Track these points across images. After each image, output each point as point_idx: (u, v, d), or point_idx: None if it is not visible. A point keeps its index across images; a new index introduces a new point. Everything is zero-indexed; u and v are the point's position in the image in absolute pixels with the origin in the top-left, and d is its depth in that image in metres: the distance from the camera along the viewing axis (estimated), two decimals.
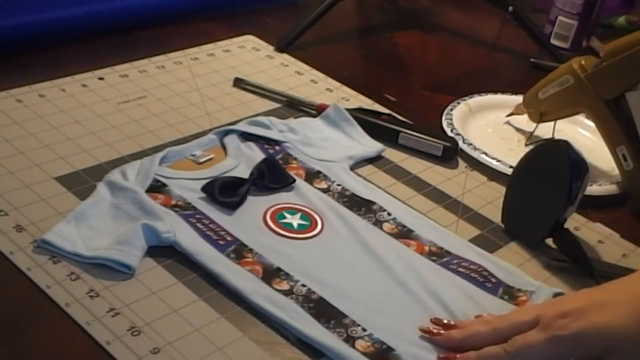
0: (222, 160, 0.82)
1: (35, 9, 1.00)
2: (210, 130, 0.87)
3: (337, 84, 1.04)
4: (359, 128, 0.91)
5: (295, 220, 0.74)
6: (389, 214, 0.78)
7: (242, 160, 0.82)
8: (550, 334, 0.58)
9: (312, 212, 0.76)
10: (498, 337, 0.61)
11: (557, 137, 0.97)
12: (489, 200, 0.84)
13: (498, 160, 0.89)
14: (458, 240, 0.76)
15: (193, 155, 0.82)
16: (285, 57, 1.09)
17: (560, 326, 0.58)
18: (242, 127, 0.87)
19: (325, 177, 0.82)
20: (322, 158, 0.85)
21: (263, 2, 1.25)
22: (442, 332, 0.63)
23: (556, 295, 0.70)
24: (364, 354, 0.61)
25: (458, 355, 0.61)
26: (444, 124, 0.96)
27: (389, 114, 0.96)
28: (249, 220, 0.73)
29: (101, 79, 0.96)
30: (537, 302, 0.68)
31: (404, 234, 0.76)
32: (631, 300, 0.58)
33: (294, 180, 0.79)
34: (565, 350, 0.58)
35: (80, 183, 0.76)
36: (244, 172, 0.80)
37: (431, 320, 0.65)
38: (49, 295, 0.63)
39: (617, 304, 0.58)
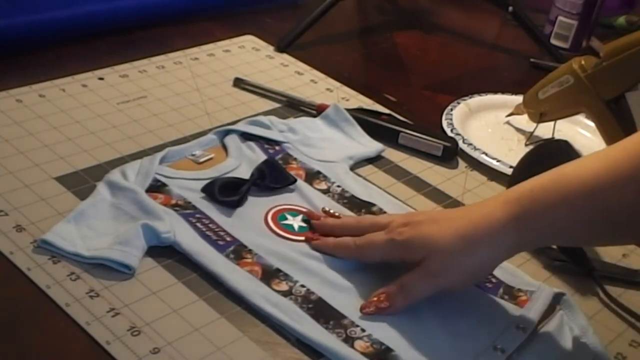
0: (223, 160, 0.82)
1: (35, 9, 1.00)
2: (210, 130, 0.87)
3: (337, 84, 1.04)
4: (359, 128, 0.91)
5: (296, 222, 0.74)
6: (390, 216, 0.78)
7: (244, 161, 0.82)
8: (389, 237, 0.66)
9: (314, 214, 0.76)
10: (359, 232, 0.70)
11: (557, 137, 0.97)
12: None
13: (498, 160, 0.89)
14: None
15: (193, 155, 0.82)
16: (285, 57, 1.09)
17: (398, 232, 0.66)
18: (242, 127, 0.87)
19: (325, 178, 0.82)
20: (322, 158, 0.85)
21: (263, 2, 1.25)
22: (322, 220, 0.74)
23: (556, 295, 0.70)
24: (363, 354, 0.61)
25: (319, 237, 0.71)
26: (444, 124, 0.96)
27: (389, 114, 0.96)
28: (249, 221, 0.73)
29: (101, 79, 0.96)
30: (537, 302, 0.69)
31: None
32: (457, 219, 0.65)
33: (295, 180, 0.79)
34: (396, 253, 0.66)
35: (80, 183, 0.76)
36: (245, 172, 0.80)
37: (322, 209, 0.76)
38: (49, 295, 0.63)
39: (445, 221, 0.65)
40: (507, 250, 0.64)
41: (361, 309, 0.65)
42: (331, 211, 0.76)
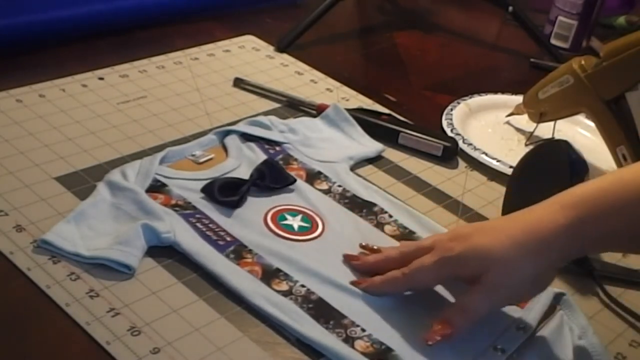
0: (223, 160, 0.82)
1: (35, 9, 1.00)
2: (210, 130, 0.87)
3: (337, 84, 1.04)
4: (359, 128, 0.91)
5: (296, 222, 0.74)
6: (390, 216, 0.78)
7: (244, 161, 0.82)
8: (439, 256, 0.63)
9: (313, 214, 0.76)
10: (404, 261, 0.66)
11: (557, 137, 0.97)
12: (489, 200, 0.84)
13: (498, 160, 0.89)
14: None
15: (193, 155, 0.82)
16: (285, 57, 1.09)
17: (448, 248, 0.63)
18: (243, 127, 0.87)
19: (326, 178, 0.82)
20: (322, 159, 0.84)
21: (263, 2, 1.25)
22: (361, 257, 0.70)
23: (557, 295, 0.70)
24: (363, 354, 0.61)
25: (365, 280, 0.67)
26: (444, 124, 0.96)
27: (389, 114, 0.96)
28: (249, 221, 0.73)
29: (101, 79, 0.96)
30: (537, 303, 0.68)
31: (405, 235, 0.76)
32: (508, 228, 0.62)
33: (295, 180, 0.79)
34: (450, 270, 0.63)
35: (80, 183, 0.76)
36: (245, 173, 0.80)
37: (360, 245, 0.72)
38: (49, 295, 0.63)
39: (496, 230, 0.63)
40: (569, 255, 0.61)
41: (426, 341, 0.62)
42: (370, 245, 0.72)
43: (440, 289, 0.69)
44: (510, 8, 1.23)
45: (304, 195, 0.78)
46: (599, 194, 0.60)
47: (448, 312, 0.63)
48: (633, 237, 0.60)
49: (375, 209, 0.78)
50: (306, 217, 0.75)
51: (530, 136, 0.98)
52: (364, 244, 0.72)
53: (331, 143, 0.89)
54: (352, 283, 0.67)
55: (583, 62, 0.90)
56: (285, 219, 0.74)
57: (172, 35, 1.10)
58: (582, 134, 1.01)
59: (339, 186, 0.81)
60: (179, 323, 0.62)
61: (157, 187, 0.75)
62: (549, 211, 0.61)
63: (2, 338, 0.59)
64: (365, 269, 0.69)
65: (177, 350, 0.60)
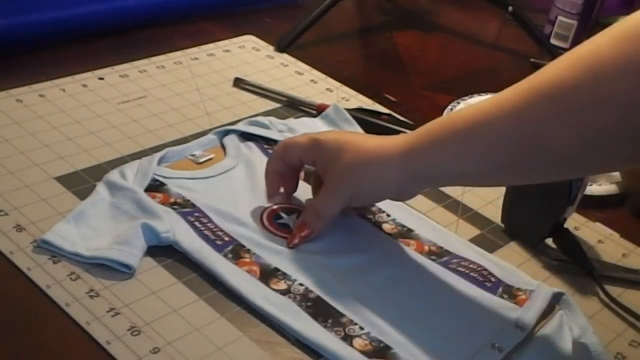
0: (221, 160, 0.82)
1: (35, 9, 1.00)
2: (210, 130, 0.87)
3: (337, 84, 1.04)
4: (359, 128, 0.91)
5: (291, 221, 0.74)
6: (388, 215, 0.78)
7: (241, 161, 0.82)
8: (312, 137, 0.72)
9: None
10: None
11: None
12: (489, 200, 0.84)
13: None
14: (458, 239, 0.76)
15: (193, 155, 0.82)
16: (285, 57, 1.09)
17: (321, 133, 0.72)
18: (242, 127, 0.87)
19: None
20: None
21: (263, 2, 1.25)
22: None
23: (556, 294, 0.70)
24: (362, 352, 0.61)
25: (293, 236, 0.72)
26: None
27: (389, 114, 0.97)
28: (246, 221, 0.73)
29: (101, 79, 0.96)
30: (536, 301, 0.69)
31: (403, 233, 0.76)
32: (367, 142, 0.69)
33: None
34: (312, 153, 0.71)
35: (80, 183, 0.76)
36: (242, 171, 0.80)
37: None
38: (49, 295, 0.63)
39: (357, 138, 0.71)
40: (395, 176, 0.67)
41: (288, 244, 0.70)
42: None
43: (440, 287, 0.69)
44: (510, 8, 1.22)
45: (298, 194, 0.78)
46: (428, 128, 0.66)
47: (304, 215, 0.72)
48: (472, 166, 0.64)
49: (373, 208, 0.78)
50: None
51: None
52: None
53: None
54: (290, 247, 0.71)
55: None
56: (281, 218, 0.74)
57: (172, 35, 1.10)
58: None
59: None
60: (179, 323, 0.62)
61: (155, 187, 0.75)
62: (397, 137, 0.68)
63: (2, 338, 0.59)
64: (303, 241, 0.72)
65: (177, 350, 0.60)
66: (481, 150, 0.62)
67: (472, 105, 0.65)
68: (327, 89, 1.03)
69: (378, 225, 0.76)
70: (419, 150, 0.66)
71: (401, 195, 0.71)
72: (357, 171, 0.68)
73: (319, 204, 0.71)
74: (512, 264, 0.74)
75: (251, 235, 0.71)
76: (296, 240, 0.71)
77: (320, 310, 0.65)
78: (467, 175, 0.66)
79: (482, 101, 0.64)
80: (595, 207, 0.86)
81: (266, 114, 0.93)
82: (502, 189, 0.83)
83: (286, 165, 0.74)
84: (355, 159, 0.68)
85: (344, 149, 0.69)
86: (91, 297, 0.63)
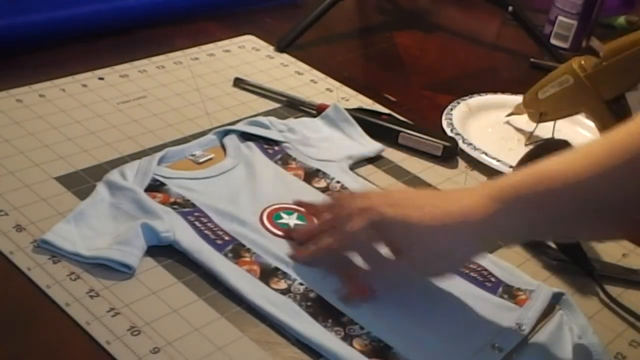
0: (221, 160, 0.82)
1: (35, 9, 1.00)
2: (210, 130, 0.87)
3: (337, 84, 1.04)
4: (359, 128, 0.91)
5: (292, 221, 0.74)
6: None
7: (241, 161, 0.82)
8: (369, 220, 0.64)
9: (308, 212, 0.75)
10: (336, 223, 0.68)
11: (557, 137, 0.97)
12: None
13: (498, 160, 0.89)
14: None
15: (193, 155, 0.82)
16: (285, 57, 1.09)
17: (378, 212, 0.64)
18: (242, 127, 0.87)
19: (325, 175, 0.82)
20: (321, 158, 0.85)
21: (263, 2, 1.25)
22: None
23: (556, 294, 0.70)
24: (362, 352, 0.61)
25: (300, 251, 0.69)
26: (444, 124, 0.96)
27: (389, 114, 0.97)
28: (246, 220, 0.73)
29: (101, 79, 0.96)
30: (536, 301, 0.69)
31: None
32: (439, 207, 0.64)
33: None
34: (377, 235, 0.65)
35: (80, 183, 0.76)
36: (242, 171, 0.80)
37: (293, 201, 0.74)
38: (49, 295, 0.63)
39: (428, 206, 0.64)
40: (484, 244, 0.66)
41: (344, 298, 0.66)
42: (304, 201, 0.74)
43: (440, 285, 0.69)
44: (510, 8, 1.22)
45: (298, 194, 0.78)
46: (524, 184, 0.62)
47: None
48: (565, 226, 0.62)
49: None
50: (302, 216, 0.75)
51: (530, 136, 0.98)
52: (297, 200, 0.74)
53: (331, 143, 0.89)
54: (291, 257, 0.69)
55: (583, 62, 0.90)
56: (281, 218, 0.74)
57: (172, 35, 1.10)
58: (582, 134, 1.01)
59: (338, 182, 0.81)
60: (179, 323, 0.62)
61: (155, 187, 0.75)
62: (475, 198, 0.62)
63: (2, 338, 0.59)
64: (302, 239, 0.70)
65: (177, 350, 0.60)
66: (581, 213, 0.60)
67: (557, 160, 0.62)
68: (327, 89, 1.03)
69: None
70: (511, 215, 0.61)
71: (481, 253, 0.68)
72: (443, 248, 0.64)
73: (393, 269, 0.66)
74: (512, 264, 0.74)
75: (251, 235, 0.71)
76: (355, 297, 0.66)
77: (320, 310, 0.65)
78: (557, 234, 0.66)
79: (568, 154, 0.62)
80: None
81: (266, 114, 0.93)
82: None
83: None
84: (438, 236, 0.63)
85: (417, 225, 0.63)
86: (91, 297, 0.63)
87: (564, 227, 0.62)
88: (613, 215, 0.60)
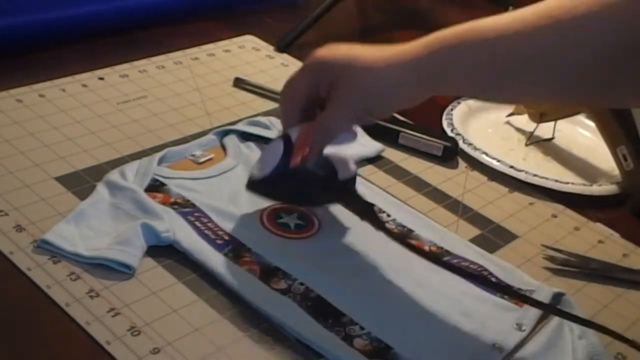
0: (221, 160, 0.82)
1: (35, 9, 1.00)
2: (210, 130, 0.87)
3: None
4: (359, 128, 0.91)
5: (292, 220, 0.74)
6: (389, 215, 0.78)
7: (241, 160, 0.82)
8: (306, 62, 0.69)
9: (308, 212, 0.76)
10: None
11: (557, 137, 0.97)
12: (489, 200, 0.84)
13: (498, 161, 0.89)
14: (458, 240, 0.76)
15: (193, 155, 0.82)
16: (285, 57, 1.09)
17: (315, 56, 0.68)
18: (242, 127, 0.87)
19: None
20: None
21: (263, 2, 1.25)
22: None
23: (556, 295, 0.70)
24: (362, 352, 0.61)
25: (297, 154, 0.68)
26: (444, 124, 0.96)
27: None
28: (246, 220, 0.73)
29: (101, 79, 0.96)
30: None
31: (403, 233, 0.76)
32: (376, 52, 0.67)
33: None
34: (316, 75, 0.68)
35: (80, 183, 0.76)
36: (242, 171, 0.80)
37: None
38: (49, 295, 0.63)
39: (365, 50, 0.68)
40: (409, 85, 0.66)
41: (291, 163, 0.66)
42: None
43: (441, 285, 0.69)
44: (510, 8, 1.22)
45: None
46: (449, 35, 0.65)
47: (307, 132, 0.67)
48: (473, 78, 0.64)
49: (374, 208, 0.78)
50: (302, 215, 0.75)
51: (530, 136, 0.98)
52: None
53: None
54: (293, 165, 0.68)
55: None
56: (281, 218, 0.74)
57: (172, 35, 1.10)
58: (582, 134, 1.01)
59: None
60: (179, 323, 0.62)
61: (155, 187, 0.75)
62: (407, 46, 0.66)
63: (2, 338, 0.59)
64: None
65: (177, 350, 0.60)
66: (501, 64, 0.63)
67: (489, 18, 0.65)
68: None
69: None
70: (433, 58, 0.64)
71: (412, 102, 0.69)
72: (368, 82, 0.65)
73: (325, 117, 0.67)
74: (512, 264, 0.74)
75: (251, 235, 0.71)
76: (298, 159, 0.67)
77: (320, 310, 0.65)
78: (477, 83, 0.66)
79: (499, 16, 0.65)
80: (595, 207, 0.86)
81: (266, 114, 0.93)
82: (502, 189, 0.83)
83: (298, 107, 0.69)
84: (366, 71, 0.65)
85: (352, 63, 0.66)
86: (91, 297, 0.63)
87: (482, 81, 0.64)
88: (526, 74, 0.62)
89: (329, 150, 0.70)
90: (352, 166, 0.72)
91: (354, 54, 0.67)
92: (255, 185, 0.72)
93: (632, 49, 0.58)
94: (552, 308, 0.67)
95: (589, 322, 0.64)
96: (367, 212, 0.70)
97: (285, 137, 0.69)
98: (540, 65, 0.61)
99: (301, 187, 0.71)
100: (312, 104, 0.69)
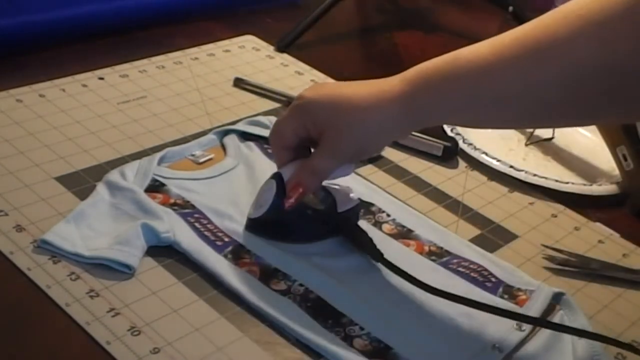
0: (221, 160, 0.82)
1: (35, 9, 1.00)
2: (210, 130, 0.87)
3: None
4: None
5: None
6: (388, 215, 0.78)
7: (242, 161, 0.82)
8: (292, 105, 0.69)
9: None
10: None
11: (557, 137, 0.97)
12: (489, 200, 0.84)
13: (498, 160, 0.89)
14: (458, 240, 0.76)
15: (193, 155, 0.82)
16: (285, 57, 1.09)
17: (300, 97, 0.69)
18: (242, 127, 0.87)
19: None
20: None
21: (263, 2, 1.25)
22: None
23: (556, 294, 0.70)
24: (362, 352, 0.61)
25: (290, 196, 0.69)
26: None
27: None
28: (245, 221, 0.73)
29: (101, 79, 0.96)
30: (536, 302, 0.69)
31: (403, 234, 0.76)
32: (358, 91, 0.67)
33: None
34: (300, 118, 0.68)
35: (80, 183, 0.76)
36: (242, 172, 0.80)
37: None
38: (49, 295, 0.63)
39: (348, 87, 0.69)
40: (396, 125, 0.66)
41: (285, 205, 0.68)
42: None
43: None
44: (511, 8, 1.22)
45: None
46: (434, 69, 0.65)
47: (299, 174, 0.68)
48: (474, 112, 0.64)
49: (373, 208, 0.78)
50: None
51: (530, 136, 0.98)
52: None
53: None
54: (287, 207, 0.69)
55: None
56: None
57: (172, 35, 1.10)
58: (582, 133, 1.01)
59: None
60: (179, 323, 0.62)
61: (155, 187, 0.75)
62: (391, 83, 0.66)
63: (2, 338, 0.59)
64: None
65: (177, 350, 0.60)
66: (488, 99, 0.63)
67: (469, 48, 0.65)
68: None
69: (378, 225, 0.76)
70: (420, 98, 0.65)
71: (402, 137, 0.71)
72: (357, 127, 0.66)
73: (316, 160, 0.68)
74: (512, 264, 0.74)
75: (251, 236, 0.71)
76: (292, 200, 0.68)
77: (320, 311, 0.65)
78: (467, 120, 0.68)
79: (479, 44, 0.64)
80: (595, 207, 0.86)
81: (266, 114, 0.93)
82: (503, 189, 0.83)
83: (288, 148, 0.70)
84: (354, 115, 0.66)
85: (339, 106, 0.66)
86: (91, 297, 0.63)
87: (472, 114, 0.65)
88: (513, 105, 0.62)
89: (327, 182, 0.71)
90: (352, 196, 0.73)
91: (339, 94, 0.68)
92: (253, 225, 0.72)
93: (619, 72, 0.57)
94: (543, 322, 0.67)
95: (583, 331, 0.65)
96: (366, 244, 0.70)
97: (277, 177, 0.70)
98: (524, 96, 0.61)
99: (300, 223, 0.71)
100: (302, 142, 0.70)
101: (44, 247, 0.67)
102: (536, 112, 0.62)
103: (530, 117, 0.65)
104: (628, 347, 0.64)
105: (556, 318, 0.68)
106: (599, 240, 0.81)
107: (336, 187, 0.73)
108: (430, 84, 0.64)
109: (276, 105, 0.97)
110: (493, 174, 0.89)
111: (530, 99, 0.61)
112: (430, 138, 0.90)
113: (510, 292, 0.70)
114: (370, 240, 0.71)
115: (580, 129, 1.02)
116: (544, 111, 0.62)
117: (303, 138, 0.69)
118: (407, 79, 0.66)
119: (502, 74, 0.61)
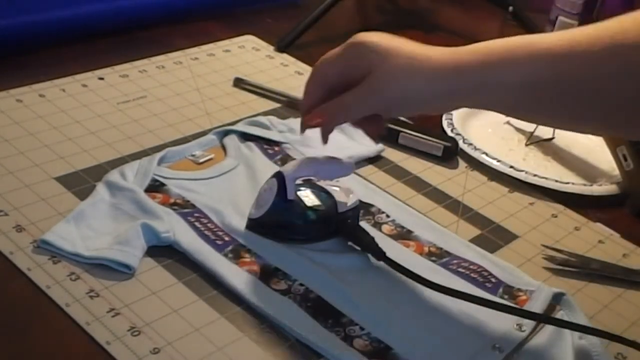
0: (221, 160, 0.82)
1: (35, 9, 1.00)
2: (210, 130, 0.87)
3: None
4: (359, 130, 0.91)
5: None
6: (388, 216, 0.78)
7: (242, 161, 0.82)
8: (342, 46, 0.65)
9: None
10: None
11: (557, 137, 0.97)
12: (489, 200, 0.84)
13: (498, 160, 0.89)
14: (458, 240, 0.76)
15: (193, 156, 0.82)
16: (285, 57, 1.09)
17: (351, 41, 0.65)
18: (242, 127, 0.87)
19: None
20: None
21: (263, 2, 1.25)
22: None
23: (556, 295, 0.70)
24: (362, 352, 0.61)
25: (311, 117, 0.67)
26: (444, 124, 0.96)
27: None
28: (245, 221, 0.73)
29: (101, 79, 0.96)
30: (536, 302, 0.69)
31: (403, 235, 0.76)
32: (419, 48, 0.65)
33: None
34: (348, 59, 0.65)
35: (80, 183, 0.76)
36: (243, 172, 0.80)
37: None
38: (49, 295, 0.63)
39: (406, 42, 0.65)
40: (444, 88, 0.63)
41: (305, 124, 0.66)
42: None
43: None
44: (511, 8, 1.22)
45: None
46: (503, 49, 0.61)
47: (325, 105, 0.65)
48: (521, 100, 0.61)
49: (372, 209, 0.78)
50: None
51: (530, 136, 0.98)
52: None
53: (331, 143, 0.88)
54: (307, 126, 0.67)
55: None
56: None
57: (172, 35, 1.10)
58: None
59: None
60: (179, 323, 0.62)
61: (155, 187, 0.75)
62: (459, 52, 0.64)
63: (2, 338, 0.59)
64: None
65: (177, 350, 0.60)
66: (540, 88, 0.59)
67: (543, 35, 0.61)
68: None
69: (378, 226, 0.76)
70: (472, 66, 0.62)
71: (435, 110, 0.66)
72: (404, 77, 0.63)
73: (350, 96, 0.64)
74: (512, 264, 0.74)
75: (251, 236, 0.71)
76: (310, 124, 0.66)
77: (320, 311, 0.65)
78: (508, 104, 0.64)
79: (553, 33, 0.60)
80: (595, 207, 0.86)
81: (266, 114, 0.93)
82: (503, 189, 0.82)
83: (326, 84, 0.67)
84: (404, 64, 0.63)
85: (393, 52, 0.63)
86: (91, 297, 0.63)
87: (524, 100, 0.61)
88: (577, 100, 0.59)
89: (327, 183, 0.71)
90: (353, 197, 0.73)
91: (397, 43, 0.64)
92: (253, 226, 0.72)
93: None
94: (546, 318, 0.67)
95: (587, 327, 0.64)
96: (369, 244, 0.70)
97: (278, 177, 0.70)
98: (595, 91, 0.58)
99: (300, 224, 0.71)
100: (339, 87, 0.66)
101: (44, 247, 0.67)
102: (603, 110, 0.59)
103: (592, 116, 0.61)
104: (632, 343, 0.64)
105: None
106: (599, 241, 0.81)
107: (336, 188, 0.73)
108: (494, 55, 0.62)
109: (276, 105, 0.97)
110: (493, 174, 0.89)
111: (601, 93, 0.58)
112: (431, 138, 0.90)
113: (510, 292, 0.70)
114: (373, 239, 0.71)
115: None
116: (613, 111, 0.59)
117: (343, 82, 0.65)
118: (471, 48, 0.64)
119: (575, 61, 0.58)
